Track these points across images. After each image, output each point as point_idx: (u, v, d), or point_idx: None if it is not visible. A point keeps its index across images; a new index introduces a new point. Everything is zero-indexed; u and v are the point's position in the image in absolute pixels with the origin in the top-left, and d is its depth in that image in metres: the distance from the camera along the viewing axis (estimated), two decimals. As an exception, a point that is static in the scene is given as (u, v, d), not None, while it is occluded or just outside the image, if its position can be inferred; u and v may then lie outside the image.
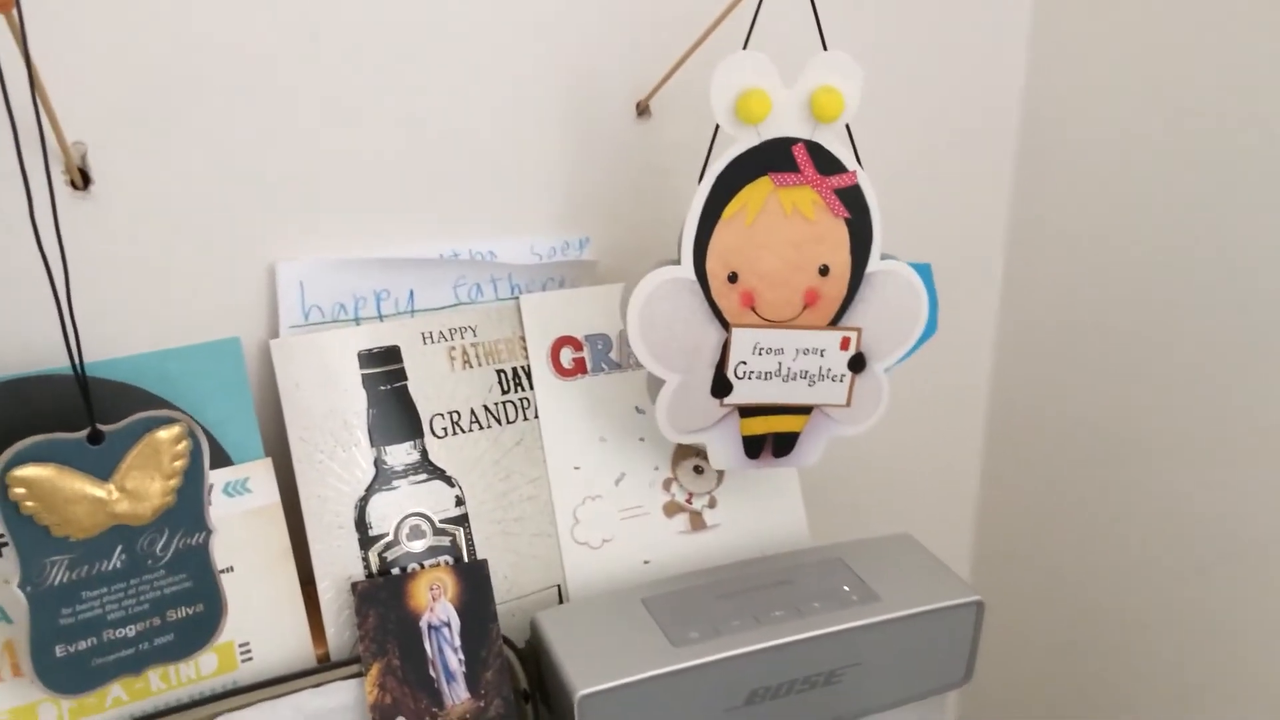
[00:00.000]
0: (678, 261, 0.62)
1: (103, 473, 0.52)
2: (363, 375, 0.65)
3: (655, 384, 0.64)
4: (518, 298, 0.71)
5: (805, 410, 0.67)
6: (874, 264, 0.64)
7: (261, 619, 0.61)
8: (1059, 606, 1.01)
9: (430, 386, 0.67)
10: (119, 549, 0.53)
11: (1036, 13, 0.91)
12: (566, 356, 0.71)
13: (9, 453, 0.49)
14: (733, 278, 0.63)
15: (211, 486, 0.59)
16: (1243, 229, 0.79)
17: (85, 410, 0.50)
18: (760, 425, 0.67)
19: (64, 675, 0.53)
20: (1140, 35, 0.84)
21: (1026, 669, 1.07)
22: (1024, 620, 1.05)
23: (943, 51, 0.88)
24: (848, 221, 0.63)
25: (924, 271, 0.66)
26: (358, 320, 0.67)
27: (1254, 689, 0.85)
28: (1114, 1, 0.85)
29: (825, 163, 0.62)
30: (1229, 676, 0.87)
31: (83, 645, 0.53)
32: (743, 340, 0.64)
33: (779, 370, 0.65)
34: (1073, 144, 0.91)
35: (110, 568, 0.53)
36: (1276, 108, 0.75)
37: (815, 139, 0.61)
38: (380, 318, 0.68)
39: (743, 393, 0.65)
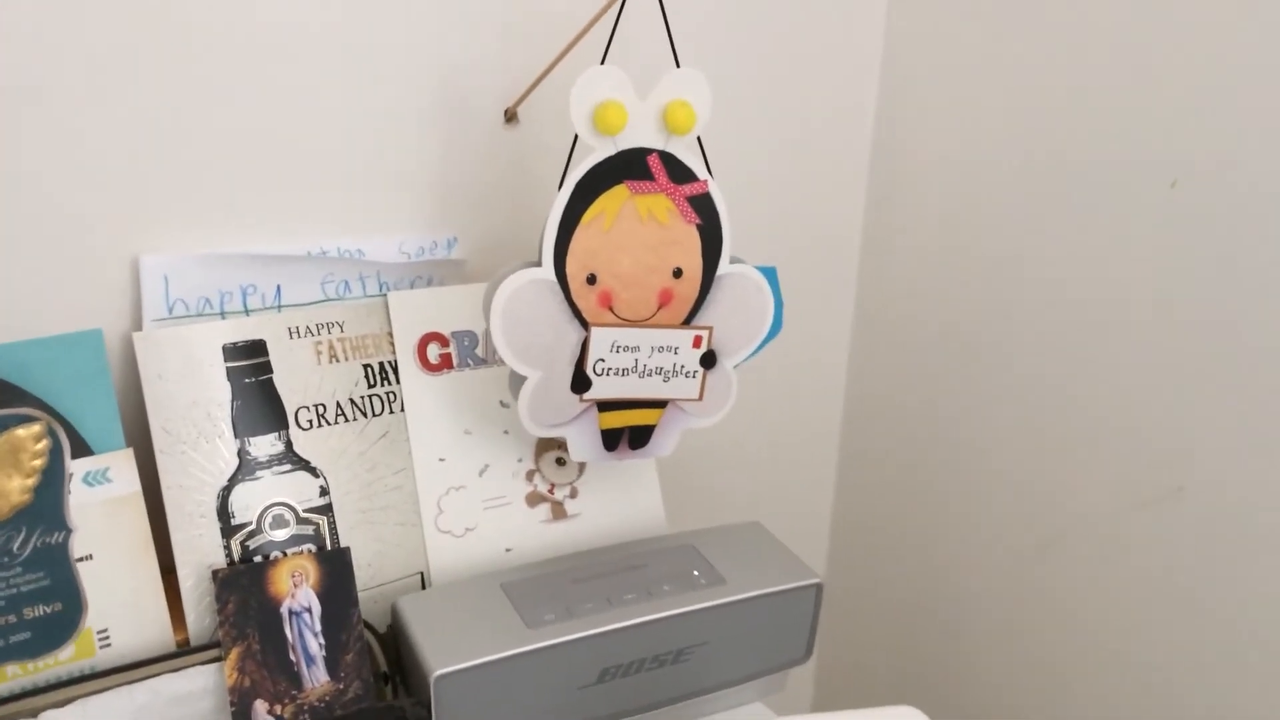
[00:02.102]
0: (539, 263, 0.65)
1: (-44, 467, 0.52)
2: (227, 368, 0.66)
3: (517, 380, 0.67)
4: (385, 295, 0.73)
5: (660, 405, 0.71)
6: (724, 267, 0.68)
7: (121, 607, 0.62)
8: (911, 587, 1.08)
9: (296, 380, 0.69)
10: (-27, 546, 0.54)
11: (888, 26, 0.96)
12: (433, 352, 0.73)
13: None
14: (591, 279, 0.66)
15: (71, 475, 0.60)
16: (1073, 236, 0.86)
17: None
18: (617, 419, 0.71)
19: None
20: (985, 48, 0.90)
21: (881, 649, 1.13)
22: (878, 602, 1.11)
23: (797, 60, 0.93)
24: (699, 227, 0.67)
25: (770, 274, 0.70)
26: (224, 314, 0.69)
27: (1089, 660, 0.92)
28: (961, 14, 0.91)
29: (678, 172, 0.66)
30: (1067, 649, 0.94)
31: (-64, 638, 0.54)
32: (601, 339, 0.67)
33: (635, 367, 0.69)
34: (921, 152, 0.97)
35: (-36, 564, 0.54)
36: (1109, 118, 0.82)
37: (669, 149, 0.65)
38: (246, 312, 0.69)
39: (601, 389, 0.69)
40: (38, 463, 0.55)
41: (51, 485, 0.56)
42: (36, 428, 0.54)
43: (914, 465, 1.04)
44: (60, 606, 0.58)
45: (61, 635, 0.59)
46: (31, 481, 0.55)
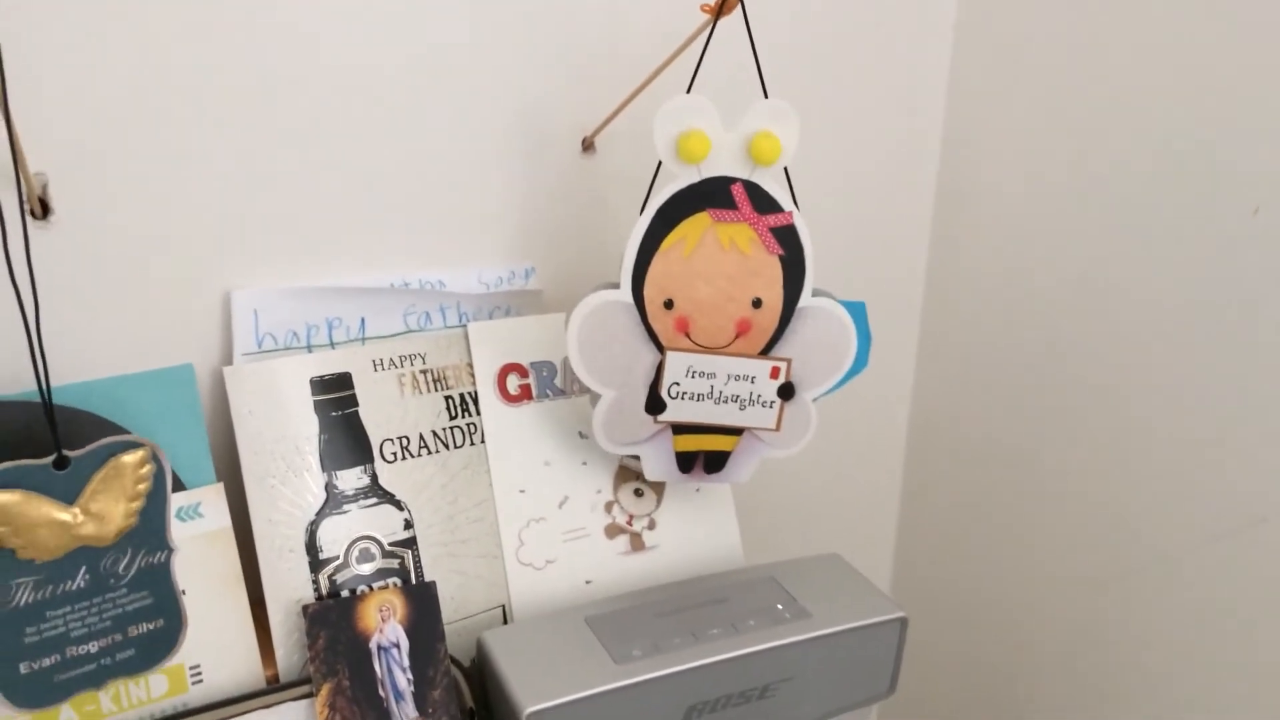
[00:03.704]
0: (618, 285, 0.65)
1: (68, 497, 0.53)
2: (314, 401, 0.67)
3: (594, 398, 0.67)
4: (465, 325, 0.73)
5: (736, 431, 0.71)
6: (806, 300, 0.68)
7: (212, 642, 0.62)
8: (974, 620, 1.06)
9: (380, 412, 0.69)
10: (83, 569, 0.55)
11: (953, 61, 0.96)
12: (513, 383, 0.73)
13: (-25, 479, 0.50)
14: (669, 304, 0.66)
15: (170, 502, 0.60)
16: (1145, 263, 0.85)
17: (51, 436, 0.51)
18: (692, 443, 0.71)
19: (27, 690, 0.55)
20: (1048, 84, 0.89)
21: (941, 681, 1.11)
22: (939, 634, 1.10)
23: (864, 94, 0.92)
24: (781, 258, 0.67)
25: (858, 310, 0.70)
26: (310, 348, 0.69)
27: (1165, 696, 0.90)
28: (1024, 52, 0.91)
29: (762, 202, 0.65)
30: (1139, 684, 0.92)
31: (46, 662, 0.55)
32: (676, 363, 0.67)
33: (711, 393, 0.69)
34: (985, 190, 0.96)
35: (74, 587, 0.55)
36: (1179, 145, 0.81)
37: (754, 179, 0.65)
38: (332, 345, 0.70)
39: (675, 412, 0.69)
40: (142, 487, 0.56)
41: (155, 508, 0.57)
42: (141, 453, 0.55)
43: (977, 500, 1.03)
44: (162, 623, 0.59)
45: (162, 651, 0.59)
46: (136, 505, 0.56)
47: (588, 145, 0.78)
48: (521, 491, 0.72)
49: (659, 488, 0.76)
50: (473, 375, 0.72)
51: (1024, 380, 0.97)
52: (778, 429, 0.71)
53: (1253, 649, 0.83)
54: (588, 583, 0.74)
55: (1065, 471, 0.94)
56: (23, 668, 0.54)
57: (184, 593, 0.61)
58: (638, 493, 0.76)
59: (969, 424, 1.03)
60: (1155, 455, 0.87)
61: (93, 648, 0.56)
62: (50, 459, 0.52)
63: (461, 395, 0.72)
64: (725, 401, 0.69)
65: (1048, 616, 0.98)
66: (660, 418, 0.69)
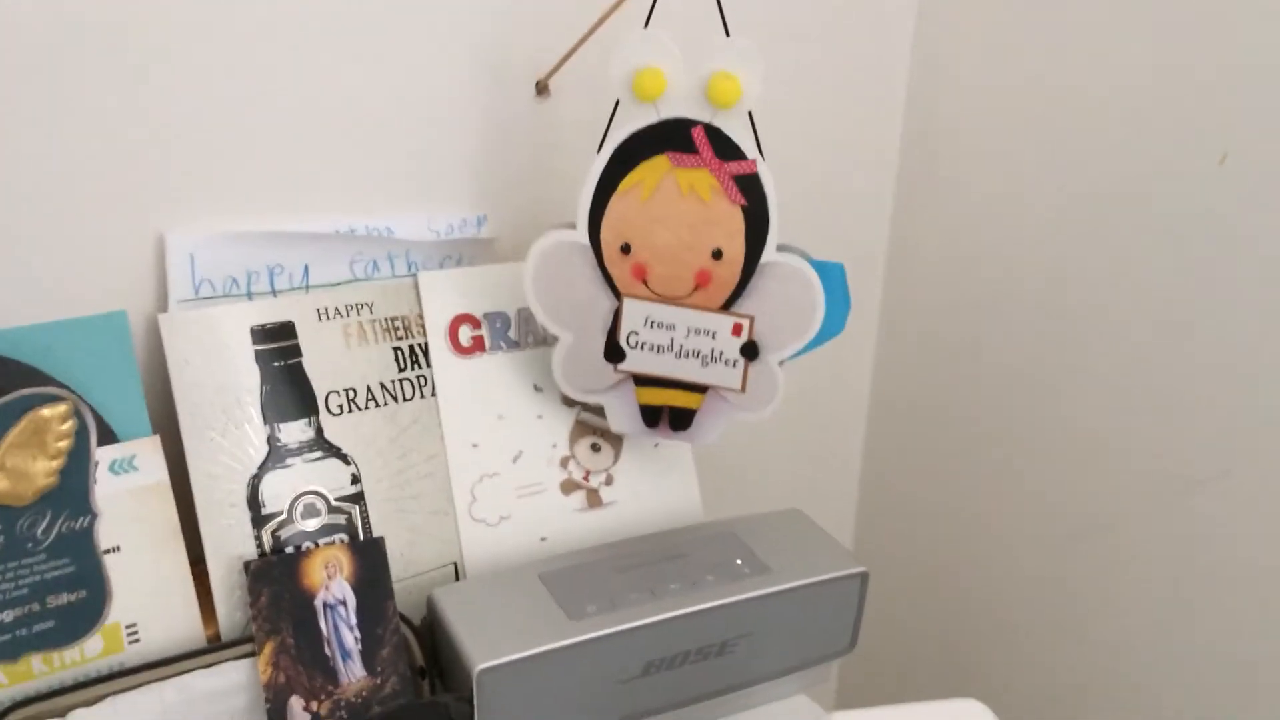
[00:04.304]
0: (574, 226, 0.63)
1: (-20, 450, 0.50)
2: (255, 351, 0.64)
3: (551, 339, 0.66)
4: (415, 274, 0.70)
5: (700, 389, 0.69)
6: (769, 254, 0.66)
7: (149, 600, 0.60)
8: (935, 577, 1.06)
9: (325, 363, 0.66)
10: (-4, 529, 0.52)
11: (919, 16, 0.94)
12: (465, 334, 0.71)
13: (-121, 427, 0.47)
14: (625, 249, 0.64)
15: (97, 464, 0.58)
16: (1111, 225, 0.84)
17: (-38, 384, 0.49)
18: (656, 396, 0.69)
19: (-68, 658, 0.52)
20: (1020, 32, 0.88)
21: (902, 638, 1.11)
22: (900, 592, 1.09)
23: (830, 47, 0.90)
24: (744, 209, 0.64)
25: (835, 271, 0.68)
26: (250, 295, 0.66)
27: (1127, 653, 0.90)
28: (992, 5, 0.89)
29: (725, 148, 0.63)
30: (1098, 640, 0.92)
31: (-48, 629, 0.52)
32: (634, 311, 0.65)
33: (671, 345, 0.67)
34: (953, 143, 0.95)
35: (-13, 549, 0.52)
36: (1142, 97, 0.80)
37: (716, 124, 0.62)
38: (274, 293, 0.67)
39: (635, 361, 0.67)
40: (63, 444, 0.53)
41: (77, 468, 0.54)
42: (62, 407, 0.52)
43: (938, 457, 1.02)
44: (85, 594, 0.56)
45: (85, 625, 0.56)
46: (57, 464, 0.52)
47: (542, 88, 0.75)
48: (474, 446, 0.70)
49: (616, 443, 0.75)
50: (423, 326, 0.70)
51: (988, 339, 0.96)
52: (743, 389, 0.69)
53: (1215, 604, 0.83)
54: (543, 539, 0.72)
55: (1027, 430, 0.94)
56: (-78, 634, 0.51)
57: (117, 549, 0.58)
58: (594, 448, 0.74)
59: (932, 382, 1.02)
60: (1116, 413, 0.86)
61: (7, 617, 0.53)
62: (-41, 409, 0.49)
63: (411, 346, 0.69)
64: (686, 356, 0.67)
65: (1008, 573, 0.98)
66: (620, 367, 0.67)
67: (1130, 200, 0.82)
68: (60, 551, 0.54)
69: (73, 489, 0.53)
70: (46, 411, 0.51)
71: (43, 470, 0.52)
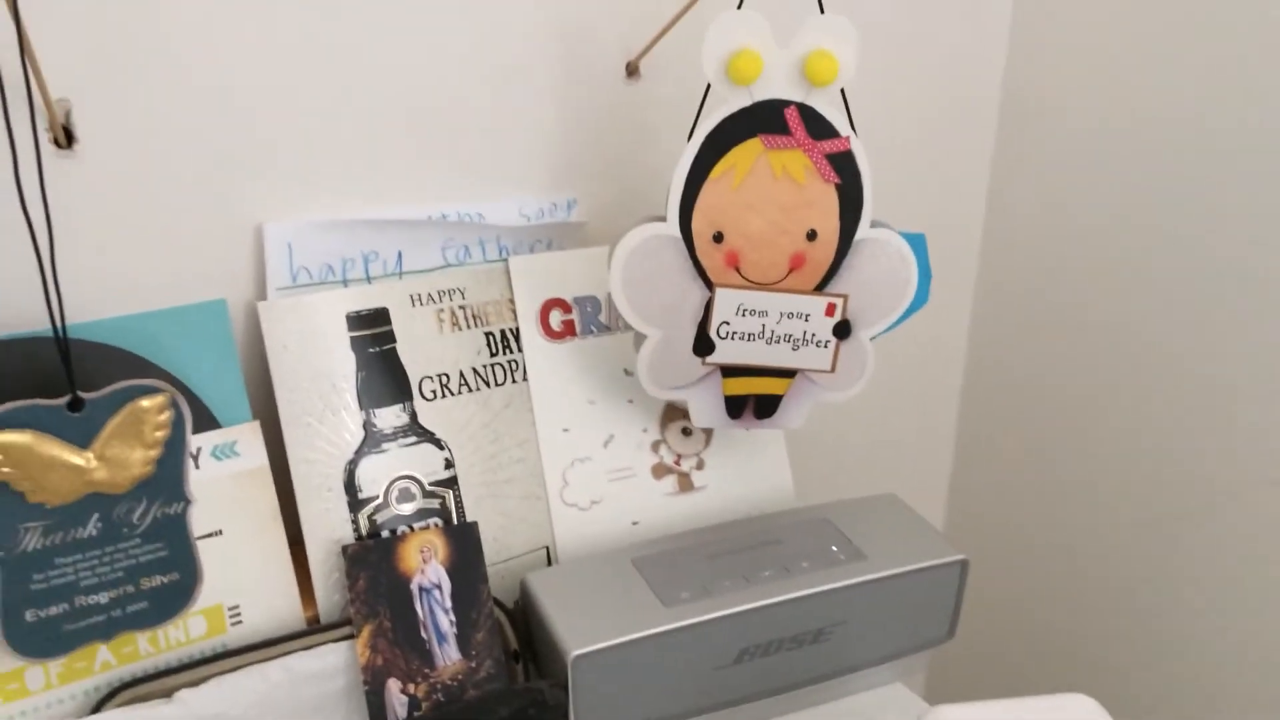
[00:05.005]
0: (664, 218, 0.62)
1: (82, 440, 0.51)
2: (351, 338, 0.64)
3: (639, 339, 0.65)
4: (506, 260, 0.70)
5: (789, 374, 0.68)
6: (863, 231, 0.64)
7: (251, 582, 0.61)
8: (1029, 563, 1.03)
9: (419, 349, 0.66)
10: (95, 517, 0.53)
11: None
12: (555, 319, 0.71)
13: (-13, 417, 0.49)
14: (718, 237, 0.63)
15: (199, 449, 0.59)
16: (1209, 210, 0.80)
17: (66, 376, 0.50)
18: (742, 386, 0.68)
19: (34, 640, 0.53)
20: (1119, 15, 0.84)
21: (994, 625, 1.09)
22: (994, 578, 1.07)
23: (927, 24, 0.88)
24: (838, 187, 0.63)
25: (917, 242, 0.66)
26: (345, 282, 0.66)
27: (1221, 638, 0.87)
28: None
29: (818, 127, 0.61)
30: (1195, 626, 0.89)
31: (54, 610, 0.53)
32: (726, 300, 0.64)
33: (762, 332, 0.66)
34: (1051, 116, 0.91)
35: (85, 535, 0.53)
36: (1252, 100, 0.76)
37: (809, 102, 0.61)
38: (368, 280, 0.67)
39: (725, 353, 0.66)
40: (160, 434, 0.54)
41: (173, 457, 0.55)
42: (160, 399, 0.53)
43: (1033, 440, 0.99)
44: (177, 577, 0.57)
45: (177, 606, 0.58)
46: (154, 453, 0.53)
47: (632, 70, 0.74)
48: (565, 430, 0.70)
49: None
50: (514, 311, 0.70)
51: (1084, 318, 0.92)
52: (832, 370, 0.68)
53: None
54: (634, 524, 0.71)
55: (1123, 411, 0.91)
56: (29, 615, 0.53)
57: (219, 533, 0.59)
58: (685, 431, 0.74)
59: (1026, 363, 0.99)
60: (1213, 398, 0.83)
61: (103, 598, 0.55)
62: (64, 400, 0.50)
63: (502, 331, 0.69)
64: (777, 341, 0.66)
65: (1113, 559, 0.95)
66: (709, 359, 0.65)
67: (1235, 171, 0.78)
68: (154, 536, 0.55)
69: (168, 477, 0.55)
70: (145, 402, 0.52)
71: (140, 459, 0.53)
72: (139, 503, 0.54)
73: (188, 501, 0.56)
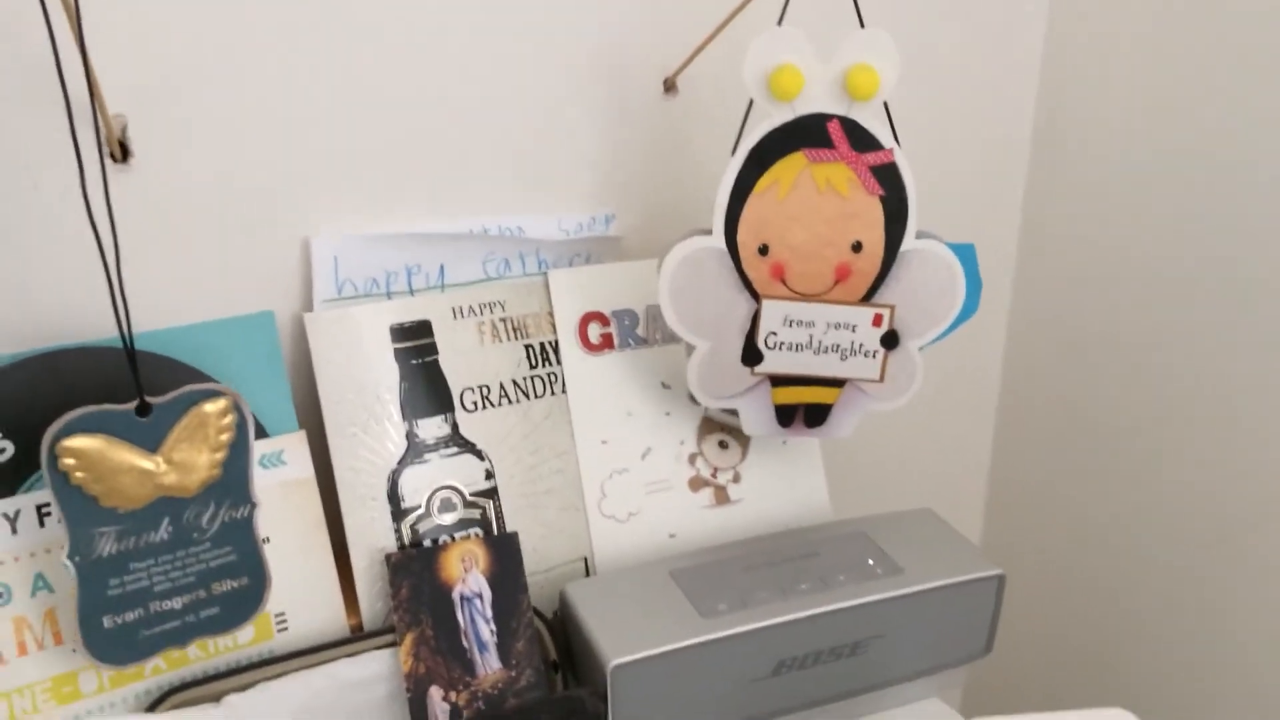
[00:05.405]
0: (709, 231, 0.63)
1: (150, 444, 0.52)
2: (395, 349, 0.65)
3: (689, 349, 0.65)
4: (545, 273, 0.71)
5: (838, 383, 0.68)
6: (909, 242, 0.64)
7: (296, 590, 0.62)
8: (1066, 579, 1.03)
9: (460, 361, 0.67)
10: (166, 521, 0.54)
11: (1051, 10, 0.91)
12: (594, 332, 0.71)
13: (59, 423, 0.50)
14: (763, 250, 0.63)
15: (260, 456, 0.60)
16: (1246, 225, 0.80)
17: (133, 382, 0.51)
18: (792, 395, 0.68)
19: (112, 646, 0.54)
20: (1155, 17, 0.84)
21: (1031, 642, 1.08)
22: (1031, 594, 1.06)
23: (962, 36, 0.88)
24: (882, 199, 0.63)
25: (966, 252, 0.66)
26: (389, 295, 0.68)
27: (1256, 650, 0.86)
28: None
29: (860, 140, 0.62)
30: (1238, 647, 0.88)
31: (130, 617, 0.54)
32: (773, 311, 0.64)
33: (810, 343, 0.66)
34: (1086, 127, 0.91)
35: (157, 539, 0.54)
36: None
37: (851, 115, 0.62)
38: (411, 292, 0.68)
39: (773, 363, 0.66)
40: (225, 437, 0.55)
41: (238, 460, 0.56)
42: (223, 402, 0.54)
43: (1071, 456, 0.99)
44: (246, 581, 0.58)
45: (247, 610, 0.58)
46: (220, 456, 0.54)
47: (669, 86, 0.75)
48: (604, 442, 0.71)
49: (744, 440, 0.74)
50: (553, 323, 0.70)
51: (1122, 331, 0.92)
52: (881, 380, 0.68)
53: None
54: (671, 536, 0.72)
55: (1158, 427, 0.90)
56: (106, 622, 0.54)
57: (267, 541, 0.60)
58: (722, 445, 0.74)
59: (1062, 378, 0.99)
60: (1256, 412, 0.82)
61: (177, 604, 0.56)
62: (133, 405, 0.51)
63: (542, 344, 0.70)
64: (825, 351, 0.66)
65: (1150, 575, 0.95)
66: (757, 369, 0.66)
67: (1271, 189, 0.78)
68: (223, 540, 0.56)
69: (234, 480, 0.56)
70: (209, 406, 0.53)
71: (206, 463, 0.54)
72: (207, 506, 0.55)
73: (254, 504, 0.57)
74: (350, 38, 0.64)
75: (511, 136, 0.71)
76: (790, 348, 0.65)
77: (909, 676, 0.68)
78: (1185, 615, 0.92)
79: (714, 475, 0.74)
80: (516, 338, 0.69)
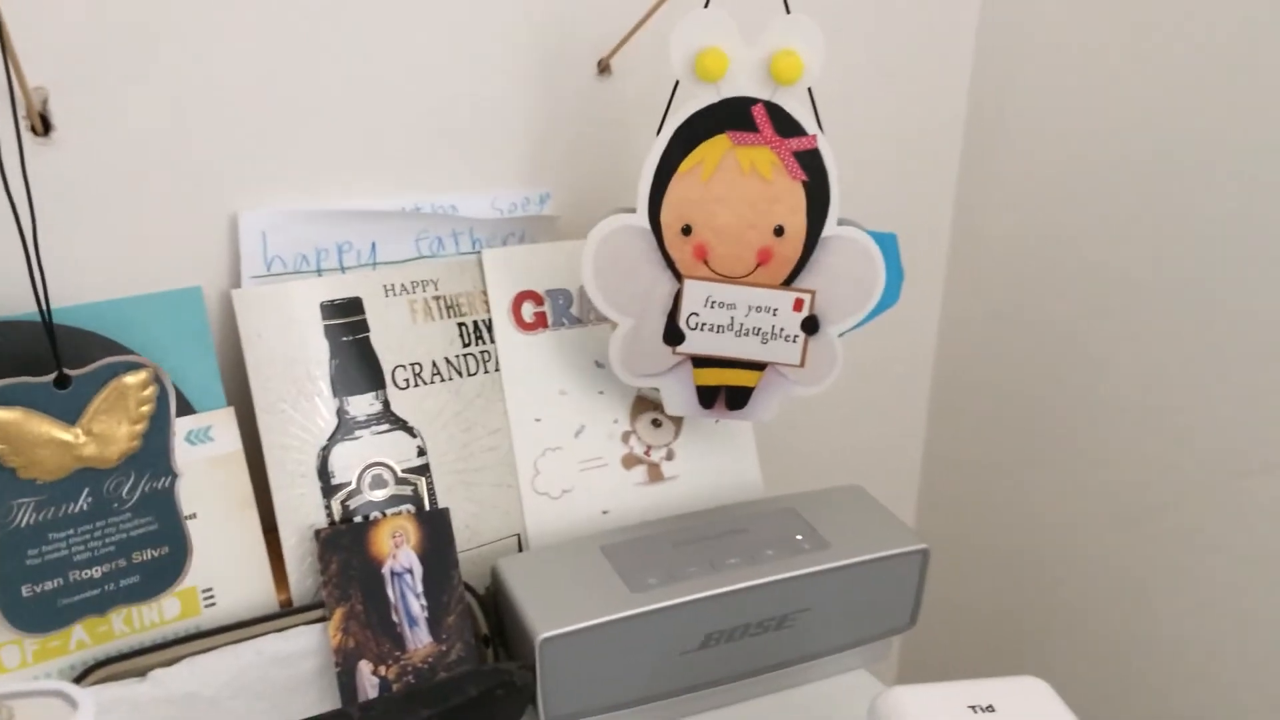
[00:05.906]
0: (634, 210, 0.63)
1: (70, 416, 0.52)
2: (325, 326, 0.65)
3: (612, 327, 0.66)
4: (479, 252, 0.71)
5: (759, 366, 0.69)
6: (830, 229, 0.66)
7: (225, 565, 0.62)
8: (998, 557, 1.05)
9: (392, 338, 0.67)
10: (85, 491, 0.54)
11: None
12: (528, 311, 0.72)
13: (-26, 396, 0.49)
14: (686, 230, 0.64)
15: (176, 429, 0.60)
16: (1175, 215, 0.82)
17: (51, 355, 0.51)
18: (713, 377, 0.69)
19: (30, 614, 0.54)
20: (1088, 15, 0.86)
21: (962, 614, 1.10)
22: (963, 571, 1.09)
23: (894, 23, 0.89)
24: (805, 184, 0.64)
25: (888, 241, 0.67)
26: (320, 272, 0.68)
27: (1187, 635, 0.89)
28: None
29: (785, 124, 0.63)
30: (1159, 623, 0.91)
31: (49, 585, 0.54)
32: (695, 292, 0.65)
33: (731, 325, 0.67)
34: (1018, 114, 0.93)
35: (77, 510, 0.54)
36: (1214, 80, 0.78)
37: (775, 100, 0.62)
38: (342, 269, 0.68)
39: (695, 343, 0.67)
40: (145, 409, 0.55)
41: (158, 432, 0.56)
42: (143, 374, 0.54)
43: (1001, 435, 1.01)
44: (167, 550, 0.58)
45: (168, 579, 0.59)
46: (140, 428, 0.55)
47: (604, 67, 0.76)
48: (537, 420, 0.71)
49: (677, 419, 0.75)
50: (486, 302, 0.71)
51: (1051, 318, 0.94)
52: (802, 364, 0.69)
53: (1276, 589, 0.81)
54: (604, 513, 0.73)
55: (1091, 407, 0.92)
56: (25, 590, 0.54)
57: (194, 516, 0.60)
58: (655, 423, 0.75)
59: (995, 362, 1.01)
60: (1181, 391, 0.85)
61: (96, 573, 0.56)
62: (51, 377, 0.51)
63: (475, 322, 0.70)
64: (746, 334, 0.68)
65: (1070, 552, 0.97)
66: (679, 349, 0.67)
67: (1201, 173, 0.80)
68: (144, 510, 0.57)
69: (154, 451, 0.56)
70: (129, 379, 0.54)
71: (126, 434, 0.54)
72: (127, 477, 0.56)
73: (175, 475, 0.58)
74: (281, 9, 0.64)
75: (446, 115, 0.72)
76: (712, 329, 0.66)
77: (836, 649, 0.69)
78: (1104, 591, 0.95)
79: (647, 453, 0.74)
80: (449, 316, 0.70)
